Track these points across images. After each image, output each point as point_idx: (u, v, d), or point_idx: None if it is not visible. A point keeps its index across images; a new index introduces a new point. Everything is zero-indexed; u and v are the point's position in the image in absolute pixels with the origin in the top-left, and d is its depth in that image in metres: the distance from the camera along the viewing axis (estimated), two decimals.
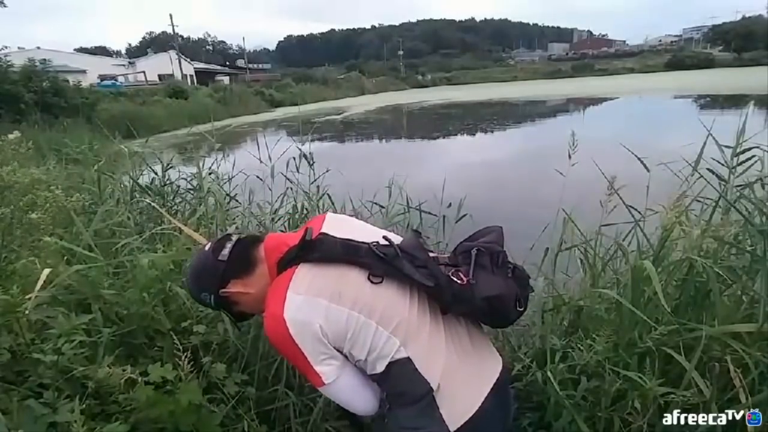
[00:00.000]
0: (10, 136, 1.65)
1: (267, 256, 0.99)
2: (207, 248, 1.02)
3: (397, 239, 1.01)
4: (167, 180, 3.00)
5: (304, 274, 0.91)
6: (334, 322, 0.87)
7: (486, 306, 0.93)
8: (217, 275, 0.98)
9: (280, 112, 27.18)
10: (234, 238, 1.01)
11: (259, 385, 1.63)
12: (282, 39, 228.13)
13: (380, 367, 0.90)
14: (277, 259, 0.96)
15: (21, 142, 1.70)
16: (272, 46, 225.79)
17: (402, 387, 0.91)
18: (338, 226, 1.01)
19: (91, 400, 1.21)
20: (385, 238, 0.99)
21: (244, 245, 1.00)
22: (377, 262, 0.92)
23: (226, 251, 0.98)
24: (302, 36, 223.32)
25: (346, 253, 0.92)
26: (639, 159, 1.92)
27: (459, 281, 0.93)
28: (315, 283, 0.89)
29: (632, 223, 1.79)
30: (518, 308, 0.97)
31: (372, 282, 0.91)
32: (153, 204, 2.54)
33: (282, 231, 2.49)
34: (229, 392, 1.44)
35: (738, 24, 67.80)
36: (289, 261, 0.94)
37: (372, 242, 0.95)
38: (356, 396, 0.95)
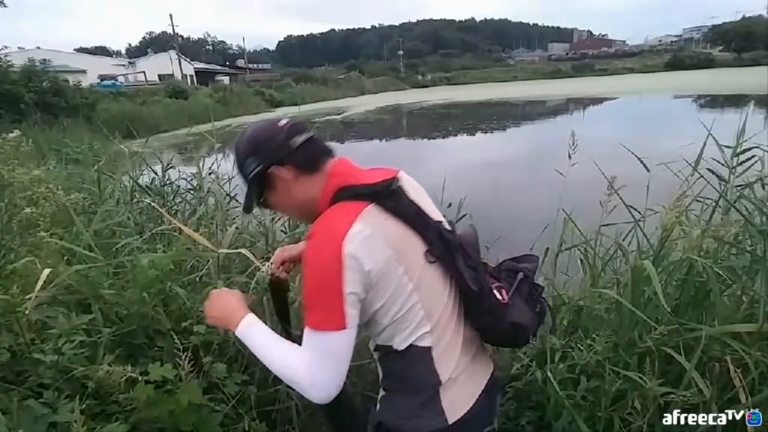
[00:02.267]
0: (10, 135, 1.65)
1: (331, 174, 0.91)
2: (282, 123, 0.93)
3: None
4: (167, 180, 3.00)
5: (377, 215, 0.85)
6: (386, 275, 0.82)
7: (510, 330, 0.94)
8: (279, 151, 0.89)
9: (280, 112, 27.18)
10: (312, 133, 0.94)
11: (259, 386, 1.63)
12: (282, 39, 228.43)
13: (399, 344, 0.88)
14: (340, 184, 0.89)
15: (20, 142, 1.70)
16: (272, 46, 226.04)
17: (412, 373, 0.90)
18: (413, 189, 0.96)
19: (91, 400, 1.20)
20: (447, 222, 0.96)
21: (318, 146, 0.93)
22: (439, 243, 0.89)
23: (298, 139, 0.90)
24: (302, 36, 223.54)
25: (417, 219, 0.88)
26: (639, 159, 1.92)
27: (500, 298, 0.94)
28: (385, 229, 0.84)
29: (632, 223, 1.79)
30: (532, 341, 1.03)
31: (427, 260, 0.88)
32: (153, 204, 2.54)
33: (282, 231, 2.49)
34: (229, 392, 1.44)
35: (738, 24, 67.81)
36: (358, 194, 0.87)
37: (438, 221, 0.92)
38: (344, 362, 0.84)
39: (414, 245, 0.87)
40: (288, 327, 1.18)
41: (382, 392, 0.98)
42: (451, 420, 0.90)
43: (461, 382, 0.92)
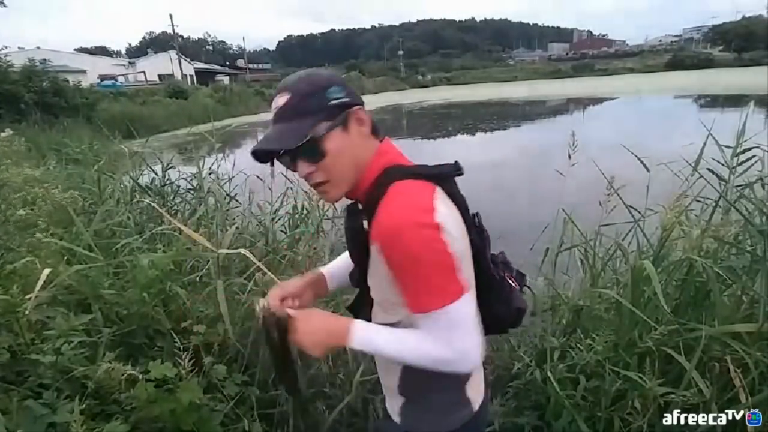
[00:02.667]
0: (2, 134, 1.65)
1: (381, 150, 0.85)
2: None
3: None
4: (167, 180, 3.00)
5: (445, 198, 0.81)
6: (462, 261, 0.80)
7: (515, 316, 0.94)
8: (359, 97, 0.83)
9: None
10: None
11: (259, 386, 1.63)
12: (282, 39, 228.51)
13: None
14: (392, 162, 0.84)
15: (13, 140, 1.70)
16: (272, 46, 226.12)
17: None
18: None
19: (90, 400, 1.20)
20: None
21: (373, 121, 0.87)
22: (477, 234, 0.88)
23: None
24: (302, 36, 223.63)
25: (466, 208, 0.86)
26: (639, 159, 1.92)
27: (513, 284, 0.95)
28: (455, 214, 0.82)
29: (632, 223, 1.79)
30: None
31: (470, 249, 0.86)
32: (153, 204, 2.54)
33: (283, 231, 2.49)
34: (229, 393, 1.44)
35: (738, 24, 67.85)
36: (421, 174, 0.82)
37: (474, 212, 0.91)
38: (476, 324, 0.81)
39: (465, 235, 0.84)
40: (293, 385, 0.98)
41: (400, 400, 0.93)
42: (475, 408, 0.91)
43: (477, 369, 0.94)
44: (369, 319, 0.92)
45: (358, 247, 0.85)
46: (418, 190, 0.79)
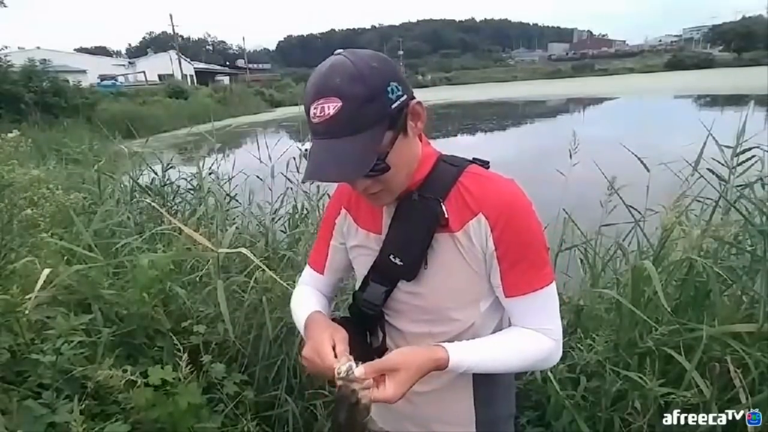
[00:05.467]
0: (9, 135, 1.65)
1: (424, 140, 0.78)
2: None
3: None
4: (167, 180, 3.00)
5: None
6: None
7: None
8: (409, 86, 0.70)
9: (280, 112, 27.21)
10: None
11: (259, 386, 1.63)
12: (282, 39, 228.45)
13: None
14: (440, 153, 0.79)
15: (20, 141, 1.70)
16: (272, 46, 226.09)
17: None
18: None
19: (90, 400, 1.20)
20: None
21: None
22: None
23: None
24: (302, 36, 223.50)
25: None
26: (639, 159, 1.92)
27: None
28: None
29: (632, 223, 1.79)
30: None
31: None
32: (153, 204, 2.54)
33: (283, 232, 2.49)
34: (228, 393, 1.44)
35: (738, 24, 67.95)
36: (476, 161, 0.80)
37: None
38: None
39: None
40: None
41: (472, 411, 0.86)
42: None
43: None
44: (383, 352, 0.84)
45: (422, 243, 0.74)
46: (499, 174, 0.77)
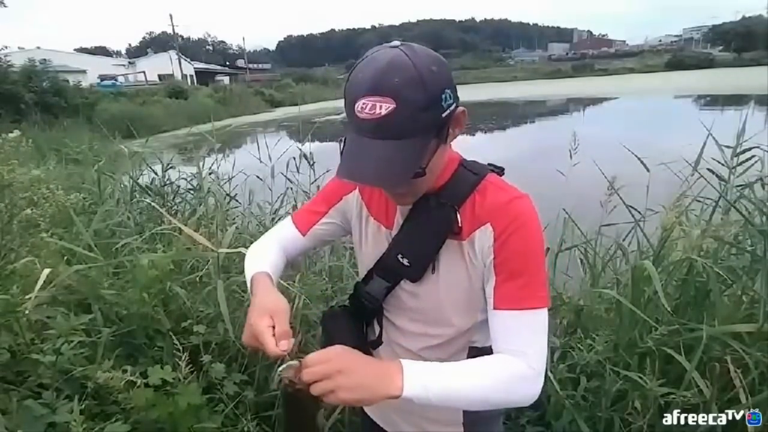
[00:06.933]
0: (10, 135, 1.65)
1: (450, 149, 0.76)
2: None
3: None
4: (167, 180, 2.99)
5: None
6: None
7: None
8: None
9: (280, 112, 27.18)
10: None
11: (259, 386, 1.63)
12: (282, 39, 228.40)
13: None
14: (460, 156, 0.78)
15: (20, 141, 1.70)
16: (272, 46, 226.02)
17: None
18: None
19: (90, 401, 1.20)
20: None
21: None
22: None
23: None
24: (302, 36, 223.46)
25: None
26: (639, 159, 1.92)
27: None
28: None
29: (632, 223, 1.79)
30: None
31: None
32: (153, 204, 2.54)
33: None
34: (228, 393, 1.44)
35: (738, 24, 67.99)
36: (495, 168, 0.79)
37: None
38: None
39: None
40: None
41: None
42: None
43: None
44: (379, 344, 0.89)
45: (432, 248, 0.74)
46: (516, 187, 0.75)
